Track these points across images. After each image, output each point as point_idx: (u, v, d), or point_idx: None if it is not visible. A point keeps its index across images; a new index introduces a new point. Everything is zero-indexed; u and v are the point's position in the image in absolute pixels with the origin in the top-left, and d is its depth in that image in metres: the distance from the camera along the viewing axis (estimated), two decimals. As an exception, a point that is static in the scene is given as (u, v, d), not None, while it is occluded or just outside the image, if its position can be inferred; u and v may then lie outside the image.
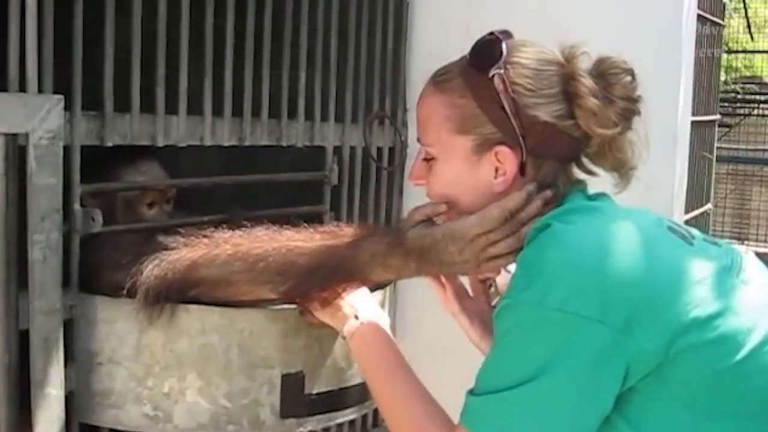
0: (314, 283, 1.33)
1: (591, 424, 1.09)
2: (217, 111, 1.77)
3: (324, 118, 2.05)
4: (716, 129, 3.54)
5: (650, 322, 1.06)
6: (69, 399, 1.45)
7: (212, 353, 1.44)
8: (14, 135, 1.35)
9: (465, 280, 1.44)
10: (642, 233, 1.13)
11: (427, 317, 2.09)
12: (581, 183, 1.28)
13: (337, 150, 2.09)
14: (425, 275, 1.34)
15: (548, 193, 1.22)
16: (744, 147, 8.25)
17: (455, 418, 1.15)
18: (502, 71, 1.20)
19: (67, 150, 1.44)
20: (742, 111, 8.55)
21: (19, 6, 1.36)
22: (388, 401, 1.27)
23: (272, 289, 1.37)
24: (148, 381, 1.44)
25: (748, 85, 8.77)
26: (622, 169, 1.26)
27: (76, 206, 1.48)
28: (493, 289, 1.44)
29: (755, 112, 8.61)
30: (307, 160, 2.03)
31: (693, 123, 2.59)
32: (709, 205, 3.31)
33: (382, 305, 1.54)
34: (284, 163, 1.99)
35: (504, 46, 1.22)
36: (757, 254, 1.29)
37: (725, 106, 7.63)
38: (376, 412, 1.96)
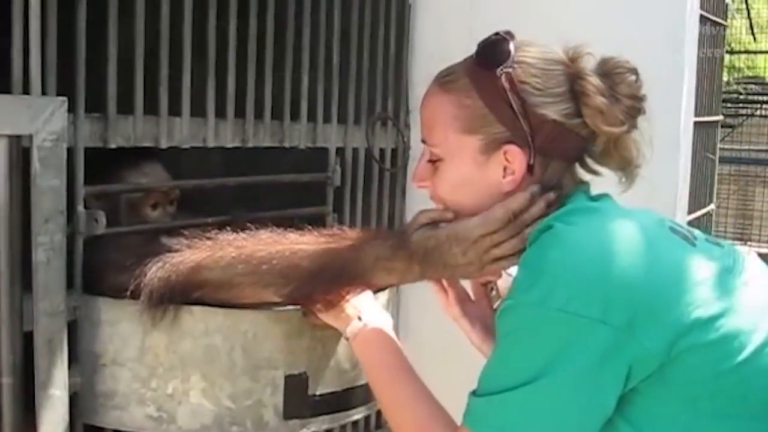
0: (317, 286, 1.34)
1: (593, 424, 1.09)
2: (220, 113, 1.77)
3: (327, 119, 2.05)
4: (719, 130, 3.54)
5: (652, 323, 1.06)
6: (73, 400, 1.45)
7: (216, 354, 1.44)
8: (18, 137, 1.35)
9: (466, 284, 1.45)
10: (644, 234, 1.13)
11: (430, 318, 2.09)
12: (585, 183, 1.28)
13: (340, 151, 2.09)
14: (428, 279, 1.34)
15: (551, 195, 1.22)
16: (747, 148, 8.25)
17: (458, 420, 1.15)
18: (510, 70, 1.20)
19: (70, 152, 1.45)
20: (744, 111, 8.55)
21: (22, 8, 1.36)
22: (391, 402, 1.27)
23: (275, 291, 1.37)
24: (152, 382, 1.45)
25: (750, 86, 8.77)
26: (628, 168, 1.27)
27: (80, 208, 1.49)
28: (494, 292, 1.44)
29: (758, 112, 8.60)
30: (310, 161, 2.03)
31: (695, 124, 2.59)
32: (711, 206, 3.31)
33: (386, 306, 1.54)
34: (287, 164, 1.99)
35: (511, 45, 1.22)
36: (760, 255, 1.29)
37: (728, 107, 7.63)
38: (379, 413, 1.96)
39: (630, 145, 1.25)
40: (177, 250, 1.43)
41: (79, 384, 1.47)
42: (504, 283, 1.37)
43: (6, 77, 1.36)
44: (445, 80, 1.27)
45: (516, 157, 1.22)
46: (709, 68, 3.00)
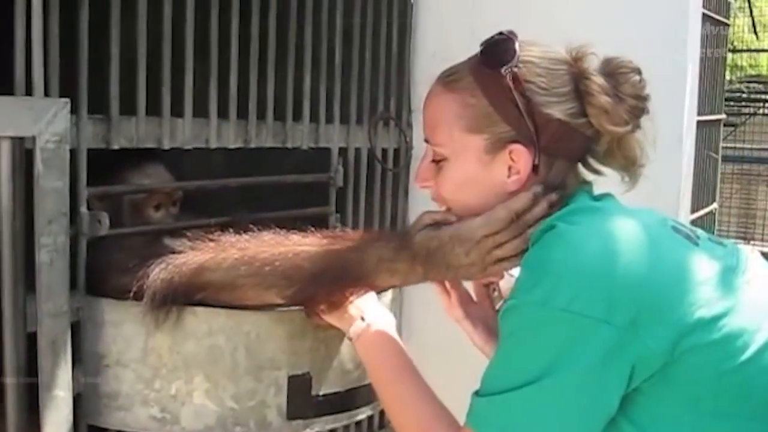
0: (320, 287, 1.34)
1: (597, 424, 1.09)
2: (223, 113, 1.78)
3: (329, 119, 2.05)
4: (721, 128, 3.54)
5: (655, 322, 1.06)
6: (77, 401, 1.46)
7: (219, 355, 1.44)
8: (21, 138, 1.36)
9: (468, 285, 1.45)
10: (647, 233, 1.13)
11: (433, 319, 2.09)
12: (587, 183, 1.28)
13: (342, 151, 2.09)
14: (431, 280, 1.34)
15: (554, 195, 1.22)
16: (749, 146, 8.23)
17: (461, 420, 1.15)
18: (515, 69, 1.20)
19: (73, 153, 1.45)
20: (747, 110, 8.52)
21: (24, 9, 1.36)
22: (394, 402, 1.27)
23: (278, 293, 1.37)
24: (156, 383, 1.45)
25: (753, 84, 8.74)
26: (631, 168, 1.27)
27: (83, 209, 1.49)
28: (496, 294, 1.44)
29: (761, 111, 8.58)
30: (312, 161, 2.03)
31: (698, 122, 2.59)
32: (714, 205, 3.31)
33: (390, 307, 1.54)
34: (289, 164, 1.99)
35: (516, 44, 1.22)
36: (763, 254, 1.29)
37: (730, 106, 7.61)
38: (382, 413, 1.96)
39: (633, 145, 1.25)
40: (180, 252, 1.43)
41: (82, 385, 1.47)
42: (506, 284, 1.36)
43: (9, 79, 1.36)
44: (448, 79, 1.27)
45: (521, 157, 1.22)
46: (711, 67, 3.00)
